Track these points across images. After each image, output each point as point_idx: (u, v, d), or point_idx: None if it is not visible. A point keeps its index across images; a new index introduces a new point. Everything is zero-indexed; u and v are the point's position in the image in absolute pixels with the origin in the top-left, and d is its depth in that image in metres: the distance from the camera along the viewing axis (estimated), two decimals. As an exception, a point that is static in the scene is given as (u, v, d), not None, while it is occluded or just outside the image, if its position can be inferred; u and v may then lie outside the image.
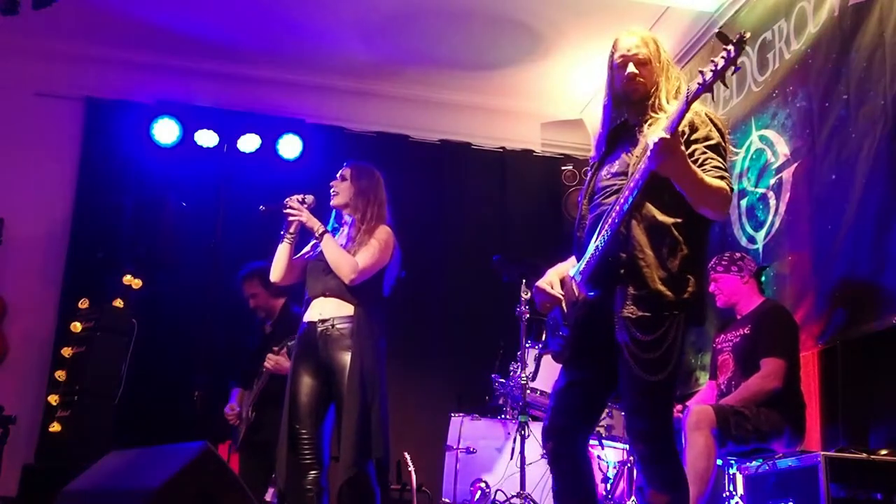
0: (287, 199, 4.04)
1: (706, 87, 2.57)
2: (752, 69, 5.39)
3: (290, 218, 4.00)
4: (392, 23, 6.30)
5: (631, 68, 2.93)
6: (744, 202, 5.31)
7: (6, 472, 5.00)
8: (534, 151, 7.33)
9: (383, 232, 4.01)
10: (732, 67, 2.53)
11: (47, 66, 6.66)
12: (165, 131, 6.46)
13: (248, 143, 6.62)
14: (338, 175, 4.14)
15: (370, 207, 4.05)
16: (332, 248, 3.90)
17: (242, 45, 6.61)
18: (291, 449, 3.82)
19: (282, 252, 4.05)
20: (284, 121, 6.72)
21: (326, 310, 3.90)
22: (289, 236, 4.03)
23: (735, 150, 3.01)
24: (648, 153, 2.61)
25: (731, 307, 4.44)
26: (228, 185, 6.57)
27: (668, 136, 2.55)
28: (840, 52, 4.52)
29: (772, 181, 5.02)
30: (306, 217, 3.97)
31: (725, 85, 2.64)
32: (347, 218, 4.10)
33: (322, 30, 6.42)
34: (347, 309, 3.87)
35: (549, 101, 7.04)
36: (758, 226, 5.14)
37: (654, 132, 2.71)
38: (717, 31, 2.64)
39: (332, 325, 3.85)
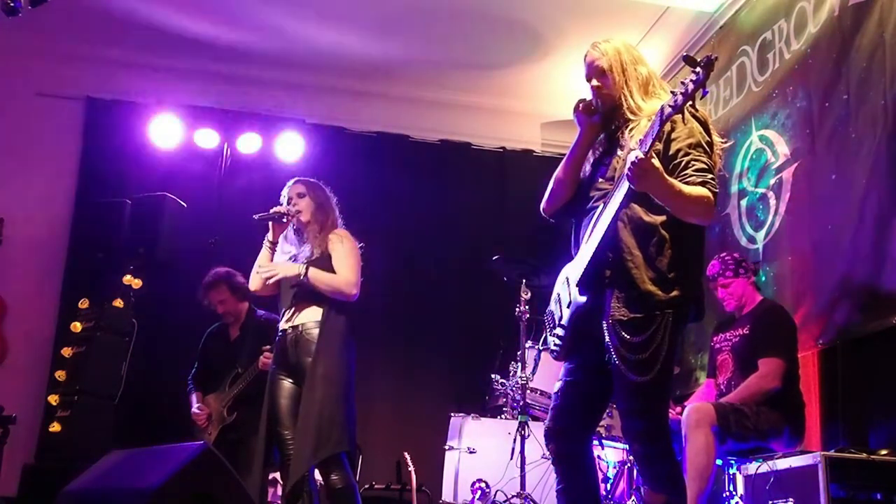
0: (273, 210, 4.12)
1: (676, 110, 2.60)
2: (752, 69, 5.39)
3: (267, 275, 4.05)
4: (392, 23, 6.30)
5: (594, 82, 3.01)
6: (744, 202, 5.31)
7: (6, 472, 5.00)
8: (534, 151, 7.33)
9: (344, 236, 4.12)
10: (701, 90, 2.56)
11: (47, 66, 6.67)
12: (165, 131, 6.48)
13: (248, 143, 6.63)
14: (293, 194, 4.19)
15: (329, 218, 4.16)
16: (322, 278, 3.97)
17: (242, 45, 6.61)
18: (278, 450, 3.91)
19: (263, 259, 4.16)
20: (284, 121, 6.74)
21: (297, 317, 4.01)
22: (270, 245, 4.16)
23: (722, 140, 3.00)
24: (626, 171, 2.63)
25: (738, 309, 4.44)
26: (228, 185, 6.59)
27: (642, 158, 2.59)
28: (840, 52, 4.52)
29: (772, 181, 5.02)
30: (285, 269, 4.01)
31: (695, 108, 2.69)
32: (303, 233, 4.16)
33: (322, 30, 6.41)
34: (316, 314, 3.97)
35: (549, 101, 7.04)
36: (758, 226, 5.14)
37: (635, 140, 2.77)
38: (684, 54, 2.66)
39: (302, 332, 3.96)
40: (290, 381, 3.98)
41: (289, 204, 4.17)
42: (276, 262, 4.10)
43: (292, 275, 3.97)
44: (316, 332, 3.93)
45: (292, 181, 4.27)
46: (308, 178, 4.30)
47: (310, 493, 3.82)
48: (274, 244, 4.17)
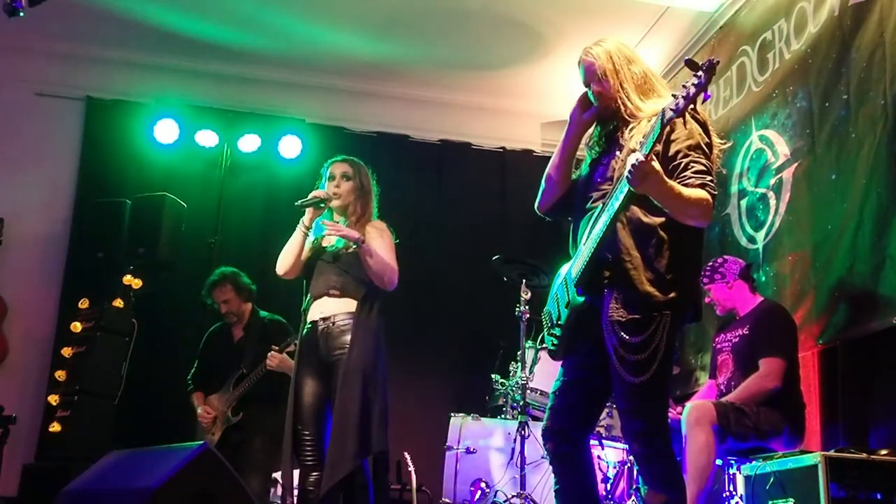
0: (313, 195, 3.93)
1: (678, 114, 2.61)
2: (752, 69, 5.39)
3: (329, 233, 3.90)
4: (392, 23, 6.30)
5: (592, 87, 3.00)
6: (744, 202, 5.31)
7: (6, 472, 5.00)
8: (534, 151, 7.33)
9: (383, 229, 4.00)
10: (702, 94, 2.56)
11: (47, 66, 6.68)
12: (165, 131, 6.49)
13: (248, 143, 6.64)
14: (337, 174, 4.01)
15: (367, 210, 4.03)
16: (377, 251, 3.84)
17: (242, 45, 6.61)
18: (294, 450, 3.79)
19: (297, 242, 3.95)
20: (284, 121, 6.75)
21: (328, 308, 3.86)
22: (305, 229, 3.95)
23: (721, 141, 3.00)
24: (626, 173, 2.63)
25: (730, 312, 4.45)
26: (228, 185, 6.59)
27: (643, 160, 2.59)
28: (840, 52, 4.52)
29: (772, 181, 5.02)
30: (348, 230, 3.87)
31: (696, 111, 2.69)
32: (339, 218, 4.01)
33: (322, 30, 6.42)
34: (350, 306, 3.84)
35: (549, 101, 7.05)
36: (758, 226, 5.14)
37: (635, 140, 2.77)
38: (686, 58, 2.67)
39: (333, 323, 3.82)
40: (317, 377, 3.82)
41: (331, 181, 4.00)
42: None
43: (353, 237, 3.80)
44: (349, 323, 3.79)
45: (341, 158, 4.09)
46: (356, 160, 4.12)
47: (365, 487, 3.69)
48: (308, 228, 3.95)
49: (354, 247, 3.85)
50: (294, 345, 4.36)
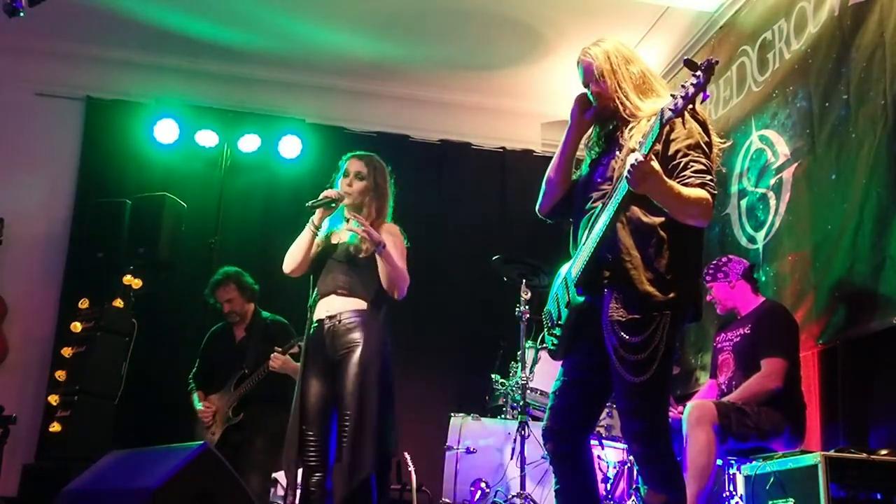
0: (324, 195, 3.85)
1: (677, 114, 2.61)
2: (752, 69, 5.39)
3: (350, 228, 3.85)
4: (392, 23, 6.31)
5: (591, 87, 3.01)
6: (744, 202, 5.31)
7: (6, 472, 5.00)
8: (534, 151, 7.33)
9: (395, 233, 3.93)
10: (701, 94, 2.56)
11: (47, 66, 6.68)
12: (165, 131, 6.50)
13: (248, 143, 6.65)
14: (351, 172, 3.94)
15: (384, 207, 3.96)
16: (395, 258, 3.78)
17: (242, 45, 6.62)
18: (298, 451, 3.78)
19: (306, 241, 3.87)
20: (284, 121, 6.76)
21: (335, 306, 3.80)
22: (315, 228, 3.88)
23: (721, 140, 3.00)
24: (626, 173, 2.63)
25: (730, 311, 4.45)
26: (228, 185, 6.60)
27: (642, 160, 2.59)
28: (840, 52, 4.52)
29: (772, 181, 5.02)
30: (374, 231, 3.77)
31: (696, 111, 2.70)
32: (347, 216, 3.93)
33: (322, 30, 6.42)
34: (356, 304, 3.79)
35: (549, 101, 7.04)
36: (758, 226, 5.14)
37: (634, 140, 2.78)
38: (685, 58, 2.68)
39: (340, 321, 3.76)
40: (322, 377, 3.74)
41: (345, 178, 3.93)
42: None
43: (376, 239, 3.72)
44: (355, 321, 3.73)
45: (358, 154, 4.02)
46: (374, 157, 4.04)
47: (323, 496, 3.62)
48: (317, 227, 3.88)
49: (364, 253, 3.79)
50: (298, 347, 4.35)
